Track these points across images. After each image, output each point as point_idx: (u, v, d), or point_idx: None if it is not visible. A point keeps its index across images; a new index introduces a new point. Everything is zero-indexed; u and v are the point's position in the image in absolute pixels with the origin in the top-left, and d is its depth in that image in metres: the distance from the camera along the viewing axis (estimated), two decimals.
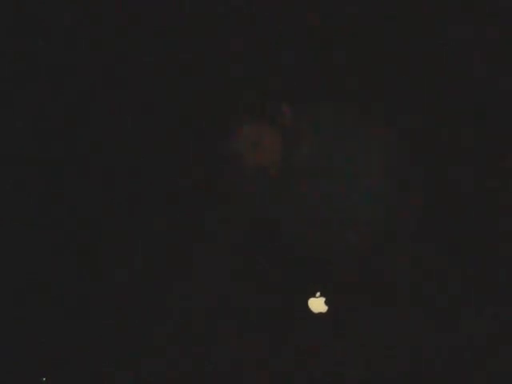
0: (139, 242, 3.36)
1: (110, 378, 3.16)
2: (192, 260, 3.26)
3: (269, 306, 3.15)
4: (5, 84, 3.39)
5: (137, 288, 3.29)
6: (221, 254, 3.23)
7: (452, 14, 3.34)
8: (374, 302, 3.11)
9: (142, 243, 3.36)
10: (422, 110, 3.36)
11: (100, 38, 3.39)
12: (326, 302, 3.10)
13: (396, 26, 3.38)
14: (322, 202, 3.16)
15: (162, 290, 3.27)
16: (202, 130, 3.33)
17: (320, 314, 3.10)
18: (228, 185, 3.23)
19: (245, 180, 3.18)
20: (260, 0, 3.40)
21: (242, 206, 3.23)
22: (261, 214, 3.21)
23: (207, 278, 3.23)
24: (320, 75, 3.39)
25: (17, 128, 3.39)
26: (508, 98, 3.29)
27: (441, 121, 3.34)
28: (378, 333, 3.08)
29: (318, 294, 3.11)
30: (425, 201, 3.26)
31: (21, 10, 3.37)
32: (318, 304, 3.10)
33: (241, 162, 3.11)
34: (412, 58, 3.37)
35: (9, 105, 3.41)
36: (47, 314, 3.26)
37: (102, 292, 3.29)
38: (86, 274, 3.32)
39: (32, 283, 3.28)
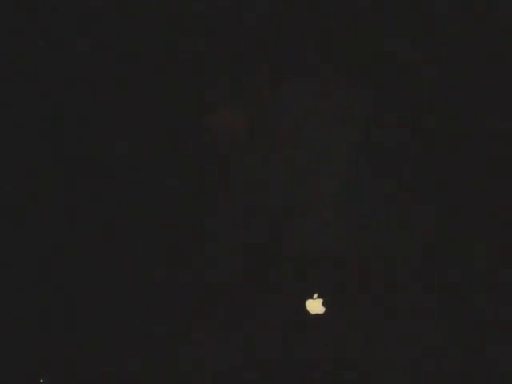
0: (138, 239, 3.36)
1: (109, 377, 3.17)
2: (189, 257, 3.26)
3: (266, 308, 3.14)
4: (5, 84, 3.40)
5: (136, 287, 3.29)
6: (218, 252, 3.23)
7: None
8: (372, 302, 3.10)
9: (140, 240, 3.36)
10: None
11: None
12: (324, 304, 3.10)
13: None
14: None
15: (159, 289, 3.27)
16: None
17: (317, 315, 3.10)
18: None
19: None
20: None
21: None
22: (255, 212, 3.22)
23: (204, 277, 3.23)
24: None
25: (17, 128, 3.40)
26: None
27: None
28: (377, 333, 3.08)
29: (316, 295, 3.10)
30: (424, 200, 3.25)
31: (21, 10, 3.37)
32: (315, 305, 3.10)
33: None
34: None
35: (9, 105, 3.41)
36: (46, 313, 3.27)
37: (101, 292, 3.29)
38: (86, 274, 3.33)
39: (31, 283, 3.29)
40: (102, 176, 3.40)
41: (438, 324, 3.10)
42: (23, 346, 3.20)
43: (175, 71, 3.42)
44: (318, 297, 3.09)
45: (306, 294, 3.11)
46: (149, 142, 3.41)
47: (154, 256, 3.31)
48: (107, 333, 3.22)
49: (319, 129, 3.23)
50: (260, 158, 3.26)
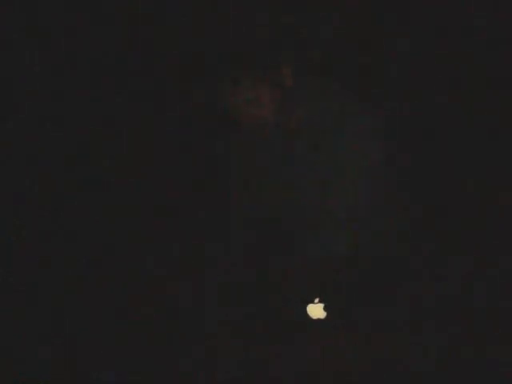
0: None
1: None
2: (190, 261, 3.26)
3: (267, 312, 3.14)
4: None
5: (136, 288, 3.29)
6: (219, 256, 3.23)
7: None
8: (374, 306, 3.10)
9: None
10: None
11: None
12: (325, 308, 3.09)
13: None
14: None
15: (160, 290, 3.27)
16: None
17: (319, 320, 3.09)
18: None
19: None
20: None
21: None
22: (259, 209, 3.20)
23: (205, 281, 3.23)
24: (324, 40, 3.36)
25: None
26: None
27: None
28: (379, 338, 3.08)
29: (317, 300, 3.09)
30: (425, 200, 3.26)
31: None
32: (316, 310, 3.09)
33: (237, 119, 3.09)
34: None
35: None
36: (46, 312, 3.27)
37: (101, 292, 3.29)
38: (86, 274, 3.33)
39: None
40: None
41: (441, 330, 3.10)
42: (23, 345, 3.21)
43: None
44: (320, 301, 3.08)
45: (307, 298, 3.10)
46: None
47: (153, 257, 3.31)
48: (106, 332, 3.22)
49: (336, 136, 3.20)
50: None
